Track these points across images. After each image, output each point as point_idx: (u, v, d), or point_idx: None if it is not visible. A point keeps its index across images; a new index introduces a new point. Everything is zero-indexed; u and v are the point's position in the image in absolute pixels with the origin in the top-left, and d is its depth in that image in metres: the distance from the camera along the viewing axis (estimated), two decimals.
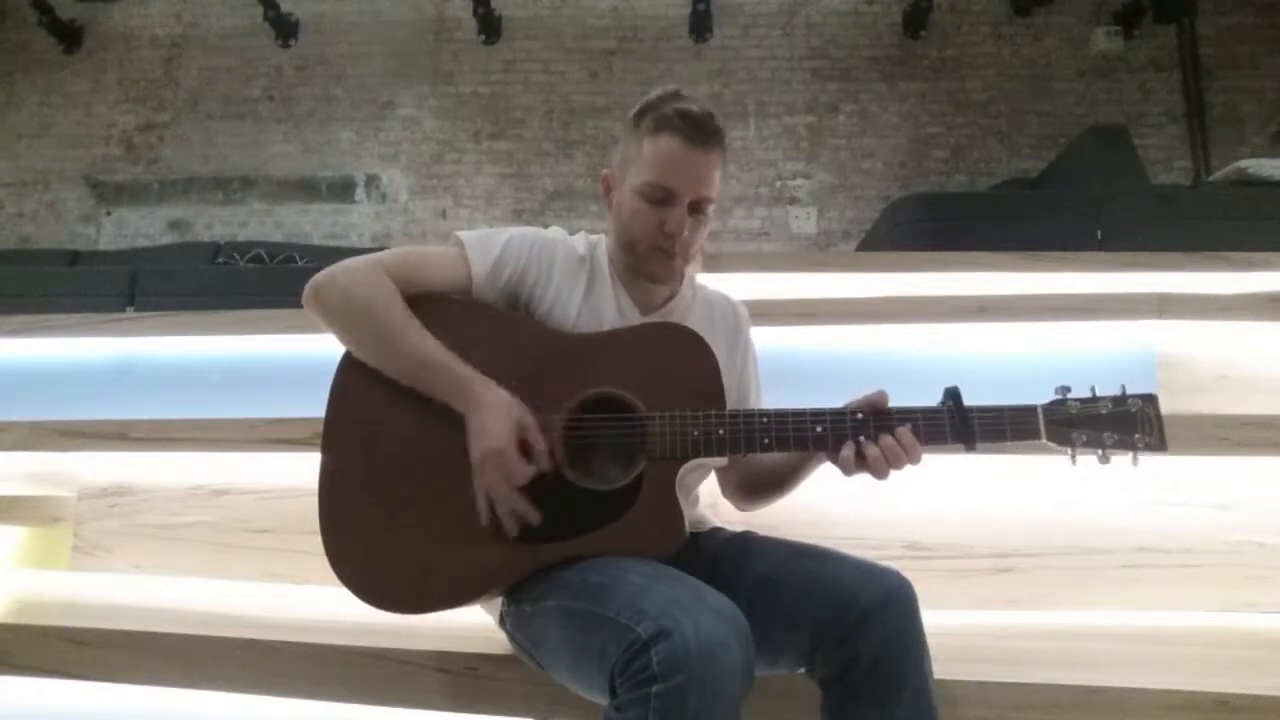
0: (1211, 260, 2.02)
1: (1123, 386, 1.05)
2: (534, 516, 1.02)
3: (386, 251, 1.16)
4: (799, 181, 5.24)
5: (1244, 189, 3.01)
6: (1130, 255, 2.07)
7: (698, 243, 1.17)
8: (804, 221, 5.18)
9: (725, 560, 1.11)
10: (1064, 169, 3.47)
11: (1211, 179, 3.48)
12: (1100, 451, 1.02)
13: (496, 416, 1.02)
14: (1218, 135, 5.10)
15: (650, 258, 1.15)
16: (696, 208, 1.14)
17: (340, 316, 1.11)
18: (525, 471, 1.02)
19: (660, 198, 1.12)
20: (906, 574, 1.01)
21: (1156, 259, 2.04)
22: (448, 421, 1.07)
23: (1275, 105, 5.14)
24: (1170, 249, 2.14)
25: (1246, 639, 1.42)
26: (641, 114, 1.15)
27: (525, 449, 1.02)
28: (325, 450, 1.11)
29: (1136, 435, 1.03)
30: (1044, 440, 1.04)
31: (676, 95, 1.15)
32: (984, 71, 5.31)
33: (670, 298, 1.25)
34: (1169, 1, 5.12)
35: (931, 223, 2.97)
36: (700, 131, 1.11)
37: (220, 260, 4.16)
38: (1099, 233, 2.88)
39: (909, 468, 1.04)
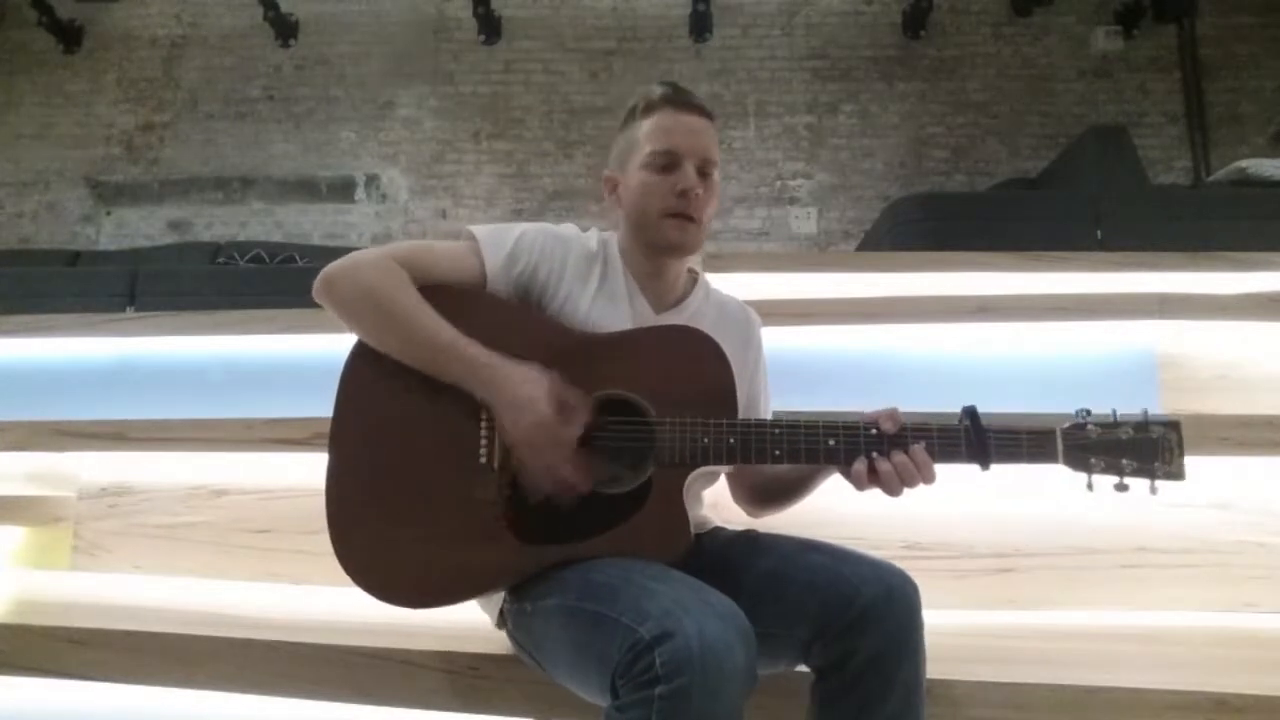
0: (1211, 260, 2.02)
1: (1145, 410, 1.02)
2: (587, 484, 1.03)
3: (398, 244, 1.16)
4: (799, 181, 5.24)
5: (1244, 189, 3.00)
6: (1130, 255, 2.07)
7: (709, 210, 1.19)
8: (804, 221, 5.18)
9: (729, 558, 1.11)
10: (1064, 169, 3.46)
11: (1211, 179, 3.47)
12: (1119, 479, 0.99)
13: (528, 389, 1.02)
14: (1218, 135, 5.11)
15: (667, 225, 1.16)
16: (702, 171, 1.16)
17: (353, 305, 1.10)
18: (574, 435, 1.02)
19: (667, 163, 1.15)
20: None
21: (1156, 259, 2.04)
22: (457, 416, 1.07)
23: (1275, 105, 5.14)
24: (1170, 249, 2.14)
25: (1246, 639, 1.42)
26: (632, 111, 1.21)
27: (563, 412, 1.03)
28: (333, 445, 1.10)
29: (1156, 464, 0.99)
30: (1060, 464, 1.01)
31: (660, 83, 1.22)
32: (984, 71, 5.31)
33: (683, 297, 1.25)
34: (1169, 1, 5.12)
35: (931, 223, 2.96)
36: (689, 99, 1.18)
37: (220, 260, 4.16)
38: (1099, 233, 2.87)
39: (922, 486, 1.03)
